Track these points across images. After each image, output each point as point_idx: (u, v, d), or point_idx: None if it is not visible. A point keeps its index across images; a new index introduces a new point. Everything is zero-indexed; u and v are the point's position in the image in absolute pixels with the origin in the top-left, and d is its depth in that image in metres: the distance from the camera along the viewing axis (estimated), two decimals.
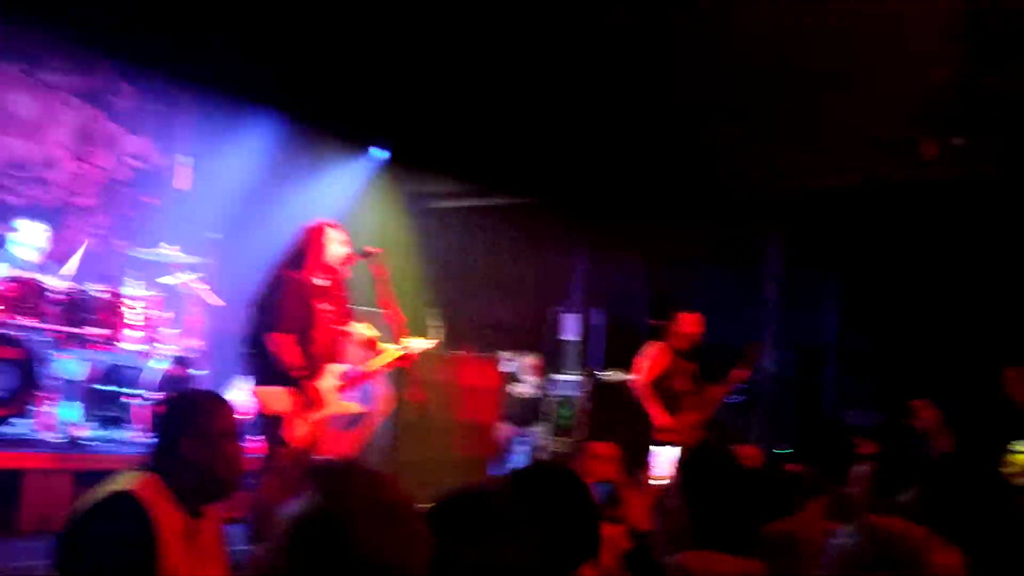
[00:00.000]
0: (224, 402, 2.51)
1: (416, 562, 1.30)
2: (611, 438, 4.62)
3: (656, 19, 5.63)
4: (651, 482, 4.89)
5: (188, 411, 2.44)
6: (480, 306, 8.76)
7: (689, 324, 6.25)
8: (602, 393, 8.08)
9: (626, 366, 8.01)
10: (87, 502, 2.21)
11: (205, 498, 2.40)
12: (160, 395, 5.93)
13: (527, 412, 8.39)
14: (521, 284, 9.34)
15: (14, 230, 5.84)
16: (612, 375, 8.06)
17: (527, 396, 8.50)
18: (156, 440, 2.42)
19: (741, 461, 2.58)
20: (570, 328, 9.25)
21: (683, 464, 2.44)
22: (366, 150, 8.82)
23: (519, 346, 8.78)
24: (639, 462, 5.18)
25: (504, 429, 7.94)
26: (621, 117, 7.05)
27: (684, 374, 6.23)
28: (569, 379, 8.59)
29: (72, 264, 6.02)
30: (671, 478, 2.44)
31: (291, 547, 1.27)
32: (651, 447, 5.92)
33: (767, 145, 7.12)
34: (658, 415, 6.02)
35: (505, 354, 8.26)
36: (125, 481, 2.26)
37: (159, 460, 2.37)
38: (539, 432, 8.30)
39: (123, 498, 2.20)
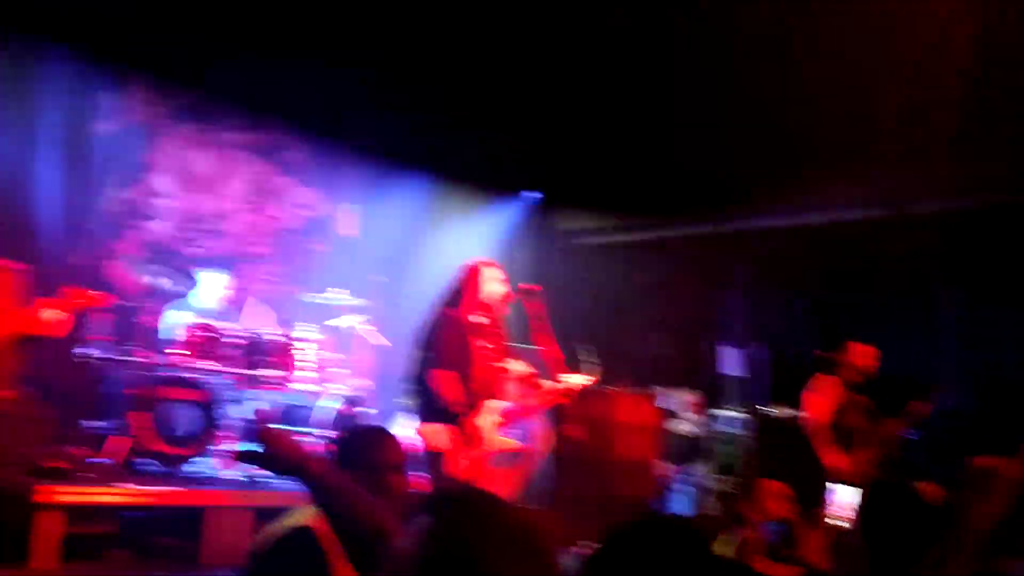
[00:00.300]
0: (391, 436, 2.54)
1: None
2: (780, 476, 4.42)
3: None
4: (828, 521, 4.63)
5: (355, 446, 2.48)
6: (636, 342, 8.64)
7: (863, 356, 5.91)
8: (768, 430, 7.76)
9: (791, 401, 7.67)
10: (267, 537, 2.27)
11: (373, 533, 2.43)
12: (331, 433, 6.17)
13: (687, 450, 8.16)
14: (677, 319, 9.16)
15: (200, 279, 6.28)
16: (778, 411, 7.73)
17: (687, 433, 8.28)
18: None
19: (923, 499, 2.40)
20: (730, 362, 8.96)
21: (863, 503, 2.29)
22: (519, 192, 9.02)
23: (677, 382, 8.59)
24: (813, 500, 4.92)
25: (664, 467, 7.75)
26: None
27: (857, 409, 5.89)
28: (731, 415, 8.30)
29: (247, 310, 6.39)
30: (850, 517, 2.29)
31: (423, 567, 1.25)
32: (826, 485, 5.62)
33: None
34: (831, 456, 5.71)
35: (663, 390, 8.09)
36: (302, 516, 2.30)
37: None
38: (700, 471, 8.05)
39: (301, 533, 2.24)
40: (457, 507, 1.31)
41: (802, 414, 6.09)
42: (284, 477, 1.99)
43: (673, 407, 8.29)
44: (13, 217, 5.97)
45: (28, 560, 4.45)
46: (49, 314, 3.27)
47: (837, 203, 7.59)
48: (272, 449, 1.96)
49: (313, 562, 2.18)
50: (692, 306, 9.21)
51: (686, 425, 8.27)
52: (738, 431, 8.04)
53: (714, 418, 8.26)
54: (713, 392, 8.81)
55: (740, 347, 9.01)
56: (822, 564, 3.39)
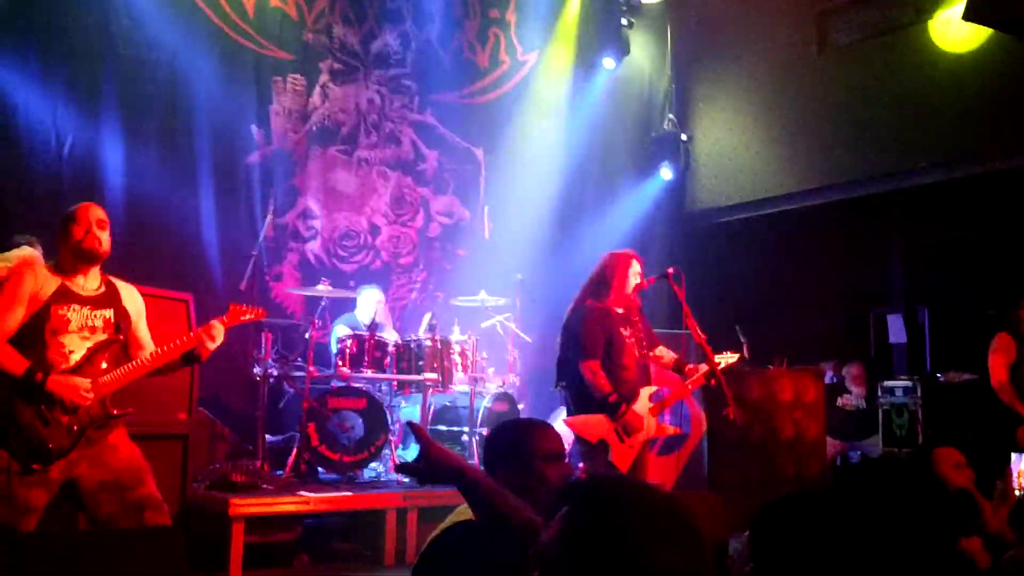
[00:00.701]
0: (545, 426, 2.50)
1: (696, 571, 1.23)
2: (956, 444, 4.20)
3: None
4: (1015, 491, 4.36)
5: (506, 439, 2.45)
6: (791, 318, 8.38)
7: None
8: (939, 397, 7.37)
9: (960, 366, 7.25)
10: (436, 535, 2.28)
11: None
12: (486, 431, 6.33)
13: (855, 424, 7.87)
14: (833, 290, 8.84)
15: (358, 294, 6.58)
16: (951, 376, 7.33)
17: (853, 407, 7.98)
18: (485, 468, 2.42)
19: None
20: (895, 331, 8.56)
21: None
22: (654, 171, 8.96)
23: (838, 355, 8.29)
24: (993, 468, 4.64)
25: (832, 444, 7.49)
26: None
27: None
28: (899, 385, 7.93)
29: (401, 319, 6.64)
30: None
31: (569, 558, 1.24)
32: (1008, 451, 5.29)
33: None
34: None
35: (824, 365, 7.83)
36: (466, 511, 2.28)
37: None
38: (871, 444, 7.74)
39: (468, 527, 2.25)
40: (601, 494, 1.29)
41: (978, 376, 5.78)
42: (439, 485, 1.99)
43: (836, 381, 8.02)
44: (179, 249, 6.43)
45: (224, 570, 4.78)
46: (215, 331, 3.50)
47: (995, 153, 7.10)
48: (426, 460, 1.97)
49: (481, 555, 2.18)
50: (849, 276, 8.87)
51: (851, 398, 7.98)
52: (908, 400, 7.68)
53: (882, 389, 7.93)
54: (878, 362, 8.46)
55: (903, 314, 8.60)
56: (1005, 535, 3.18)
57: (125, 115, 6.38)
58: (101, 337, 3.41)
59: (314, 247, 7.31)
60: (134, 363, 3.44)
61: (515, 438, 2.42)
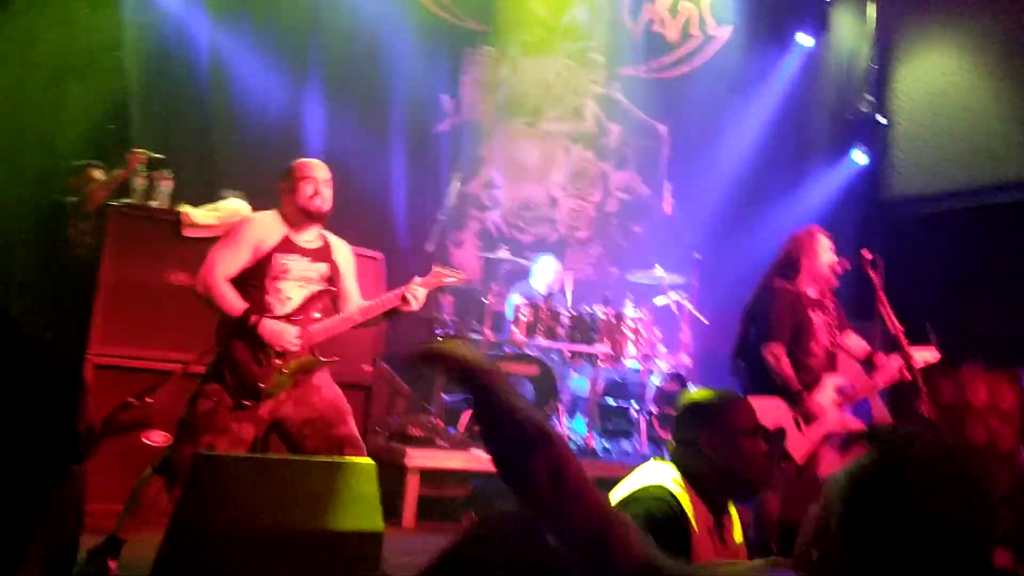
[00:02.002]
0: (745, 401, 2.49)
1: (982, 531, 1.20)
2: None
3: None
4: None
5: (710, 409, 2.42)
6: (990, 317, 7.80)
7: None
8: None
9: None
10: (625, 498, 2.29)
11: (728, 496, 2.39)
12: (656, 409, 6.26)
13: None
14: None
15: (534, 263, 6.67)
16: None
17: None
18: (679, 438, 2.43)
19: None
20: None
21: None
22: (846, 154, 8.54)
23: None
24: None
25: None
26: None
27: None
28: None
29: (578, 291, 6.66)
30: None
31: (849, 506, 1.24)
32: None
33: None
34: None
35: None
36: (658, 476, 2.32)
37: (680, 458, 2.38)
38: None
39: (659, 491, 2.26)
40: (896, 443, 1.27)
41: None
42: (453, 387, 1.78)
43: None
44: (370, 210, 6.71)
45: (398, 518, 4.99)
46: (417, 290, 3.62)
47: None
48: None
49: (673, 518, 2.21)
50: None
51: None
52: None
53: None
54: None
55: None
56: None
57: (327, 81, 6.71)
58: (316, 288, 3.59)
59: (494, 216, 7.46)
60: (344, 315, 3.61)
61: (720, 408, 2.40)
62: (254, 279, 3.50)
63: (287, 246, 3.56)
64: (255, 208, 5.33)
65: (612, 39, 7.93)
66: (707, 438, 2.34)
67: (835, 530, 1.24)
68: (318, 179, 3.61)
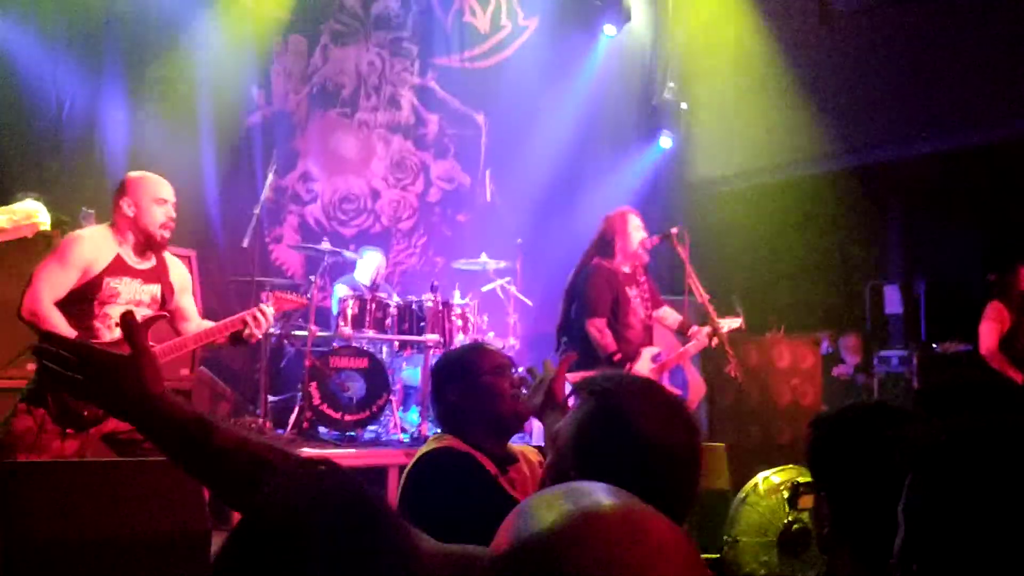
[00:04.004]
0: (487, 345, 2.54)
1: (686, 444, 1.37)
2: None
3: None
4: None
5: (450, 362, 2.47)
6: (788, 288, 8.43)
7: None
8: (934, 367, 7.43)
9: (957, 336, 7.31)
10: (410, 464, 2.27)
11: (499, 442, 2.35)
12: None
13: (851, 394, 7.94)
14: (830, 261, 8.87)
15: (359, 256, 6.59)
16: (946, 346, 7.39)
17: (849, 377, 8.05)
18: (435, 403, 2.45)
19: None
20: (891, 301, 8.61)
21: None
22: (654, 140, 8.96)
23: (835, 326, 8.34)
24: None
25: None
26: None
27: None
28: (895, 355, 8.00)
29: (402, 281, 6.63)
30: None
31: (578, 440, 1.37)
32: None
33: None
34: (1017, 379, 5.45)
35: (821, 335, 7.87)
36: (433, 444, 2.32)
37: (446, 422, 2.41)
38: None
39: (443, 451, 2.25)
40: (609, 384, 1.42)
41: (973, 347, 5.83)
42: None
43: (833, 351, 8.07)
44: (180, 207, 6.37)
45: (229, 525, 4.81)
46: (263, 318, 3.45)
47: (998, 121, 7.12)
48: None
49: (459, 471, 2.21)
50: (846, 247, 8.90)
51: (847, 368, 8.04)
52: (903, 370, 7.75)
53: (877, 360, 7.99)
54: (874, 333, 8.51)
55: (899, 285, 8.64)
56: None
57: (126, 73, 6.35)
58: (147, 312, 3.40)
59: (314, 210, 7.31)
60: (178, 340, 3.45)
61: (460, 359, 2.46)
62: (82, 303, 3.31)
63: (118, 268, 3.37)
64: (50, 210, 5.00)
65: (424, 29, 7.94)
66: (455, 389, 2.35)
67: (572, 472, 1.32)
68: (170, 202, 3.46)
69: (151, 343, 3.34)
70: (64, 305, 3.30)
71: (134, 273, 3.42)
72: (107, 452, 3.52)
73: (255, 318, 3.43)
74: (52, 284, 3.26)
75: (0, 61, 5.81)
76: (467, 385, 2.33)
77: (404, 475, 2.26)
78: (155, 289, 3.46)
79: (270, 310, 3.49)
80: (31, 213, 4.67)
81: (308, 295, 5.91)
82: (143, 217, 3.41)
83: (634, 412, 1.35)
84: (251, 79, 7.01)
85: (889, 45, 7.60)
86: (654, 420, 1.35)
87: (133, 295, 3.40)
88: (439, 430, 2.56)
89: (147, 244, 3.45)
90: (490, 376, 2.33)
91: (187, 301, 3.60)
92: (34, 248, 4.02)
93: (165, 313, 3.47)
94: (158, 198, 3.46)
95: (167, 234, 3.47)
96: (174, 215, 3.49)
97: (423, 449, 2.31)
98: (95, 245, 3.38)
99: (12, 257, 4.32)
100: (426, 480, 2.20)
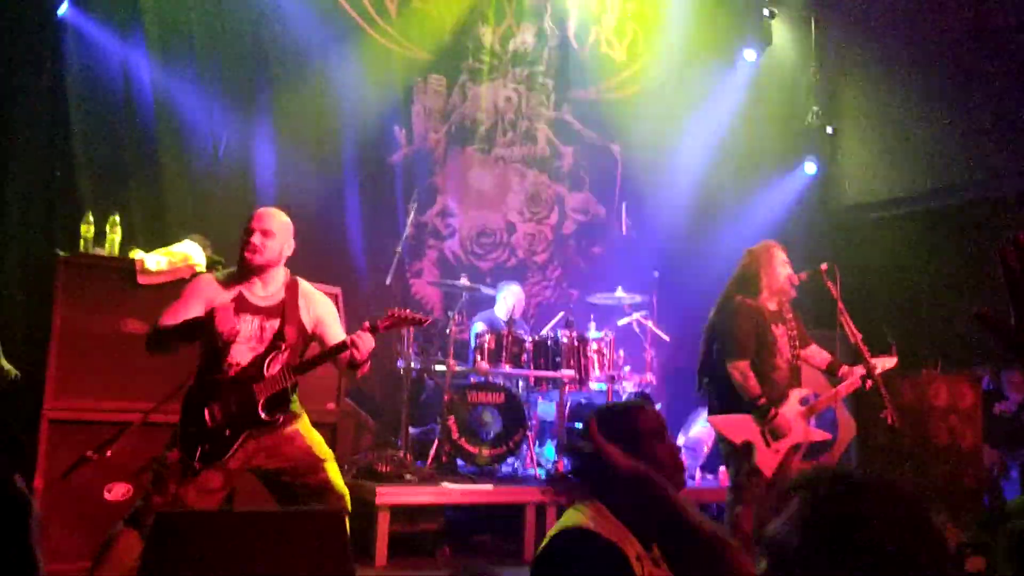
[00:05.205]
0: (644, 405, 2.40)
1: (931, 556, 1.21)
2: None
3: None
4: None
5: (607, 420, 2.31)
6: (945, 320, 7.94)
7: None
8: None
9: None
10: (547, 541, 2.16)
11: (646, 509, 2.11)
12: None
13: (1016, 433, 7.39)
14: (991, 291, 8.30)
15: (497, 291, 6.64)
16: None
17: (1013, 415, 7.50)
18: (586, 461, 2.25)
19: None
20: None
21: None
22: (798, 166, 8.68)
23: (997, 359, 7.79)
24: None
25: (989, 454, 7.06)
26: None
27: None
28: None
29: (540, 316, 6.63)
30: None
31: (804, 550, 1.23)
32: None
33: None
34: None
35: (981, 370, 7.37)
36: (574, 517, 2.16)
37: (594, 482, 2.22)
38: None
39: (576, 533, 2.10)
40: (837, 486, 1.27)
41: None
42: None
43: (995, 387, 7.55)
44: (327, 245, 6.63)
45: (371, 558, 4.90)
46: (362, 340, 3.47)
47: None
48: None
49: (590, 562, 2.07)
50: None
51: (1011, 405, 7.50)
52: None
53: None
54: None
55: None
56: None
57: (276, 116, 6.63)
58: (264, 348, 3.49)
59: (452, 245, 7.43)
60: (285, 372, 3.48)
61: (617, 418, 2.31)
62: (208, 341, 3.46)
63: (238, 306, 3.48)
64: (212, 249, 5.28)
65: (560, 63, 7.98)
66: (610, 449, 2.12)
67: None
68: (255, 229, 3.53)
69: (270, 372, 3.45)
70: (199, 352, 3.47)
71: (254, 310, 3.51)
72: (255, 483, 3.66)
73: (352, 342, 3.43)
74: (174, 314, 3.44)
75: (162, 106, 6.18)
76: (630, 445, 2.12)
77: (536, 554, 2.15)
78: (276, 323, 3.52)
79: (366, 336, 3.45)
80: (187, 255, 4.96)
81: (447, 330, 6.02)
82: (239, 246, 3.55)
83: (875, 520, 1.21)
84: (393, 118, 7.22)
85: None
86: (897, 529, 1.21)
87: (253, 332, 3.48)
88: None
89: (242, 270, 3.54)
90: (648, 439, 2.22)
91: (331, 335, 3.62)
92: None
93: (281, 346, 3.49)
94: (245, 227, 3.55)
95: (252, 255, 3.51)
96: (256, 241, 3.50)
97: (561, 522, 2.19)
98: (211, 284, 3.53)
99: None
100: (555, 570, 2.09)
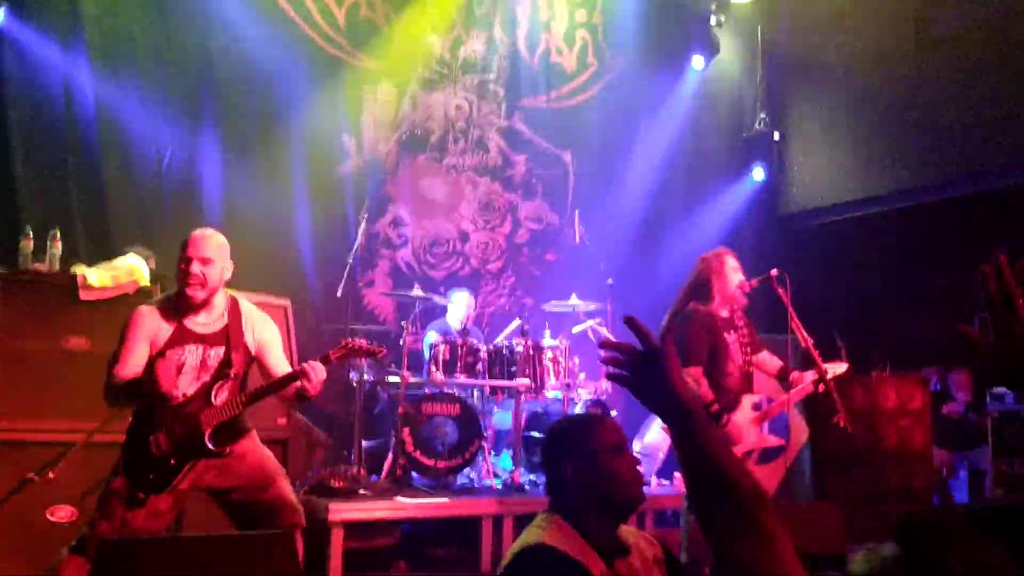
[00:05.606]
0: (604, 418, 2.39)
1: None
2: None
3: None
4: None
5: (564, 435, 2.32)
6: (891, 322, 8.08)
7: None
8: None
9: None
10: (510, 556, 2.15)
11: (611, 526, 2.22)
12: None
13: (964, 434, 7.54)
14: (935, 293, 8.48)
15: (448, 300, 6.60)
16: None
17: (960, 416, 7.65)
18: (547, 477, 2.32)
19: None
20: None
21: None
22: (746, 172, 8.78)
23: (943, 361, 7.94)
24: None
25: (939, 454, 7.19)
26: None
27: None
28: (1010, 392, 7.55)
29: (492, 324, 6.60)
30: None
31: None
32: None
33: None
34: None
35: (928, 371, 7.51)
36: (538, 533, 2.16)
37: (555, 495, 2.27)
38: (979, 455, 7.40)
39: (538, 551, 2.09)
40: (928, 533, 1.22)
41: None
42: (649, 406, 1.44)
43: (942, 388, 7.69)
44: (276, 256, 6.54)
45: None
46: (314, 372, 3.38)
47: None
48: (649, 367, 1.41)
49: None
50: (952, 278, 8.49)
51: (958, 406, 7.65)
52: (1020, 408, 7.32)
53: (990, 396, 7.57)
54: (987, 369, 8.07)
55: None
56: None
57: (223, 127, 6.53)
58: (207, 377, 3.42)
59: (404, 254, 7.38)
60: (233, 401, 3.41)
61: (576, 433, 2.30)
62: (154, 373, 3.36)
63: (180, 338, 3.39)
64: (157, 264, 5.16)
65: (510, 71, 7.98)
66: (569, 465, 2.22)
67: None
68: (193, 258, 3.41)
69: (217, 400, 3.37)
70: (145, 380, 3.36)
71: (197, 339, 3.41)
72: (205, 501, 3.57)
73: (304, 372, 3.35)
74: (125, 363, 3.34)
75: (105, 117, 6.05)
76: (579, 462, 2.20)
77: (500, 572, 2.13)
78: (220, 351, 3.44)
79: (318, 365, 3.37)
80: (132, 269, 4.84)
81: (401, 340, 5.96)
82: (176, 275, 3.45)
83: (958, 562, 1.16)
84: (342, 128, 7.15)
85: (988, 68, 7.27)
86: (978, 570, 1.16)
87: (197, 360, 3.40)
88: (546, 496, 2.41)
89: (183, 303, 3.43)
90: (608, 454, 2.20)
91: (273, 357, 3.55)
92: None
93: (228, 373, 3.44)
94: (182, 257, 3.43)
95: (195, 291, 3.39)
96: (196, 271, 3.39)
97: (523, 538, 2.18)
98: (154, 319, 3.40)
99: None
100: None
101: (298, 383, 3.39)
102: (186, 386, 3.39)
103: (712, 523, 1.30)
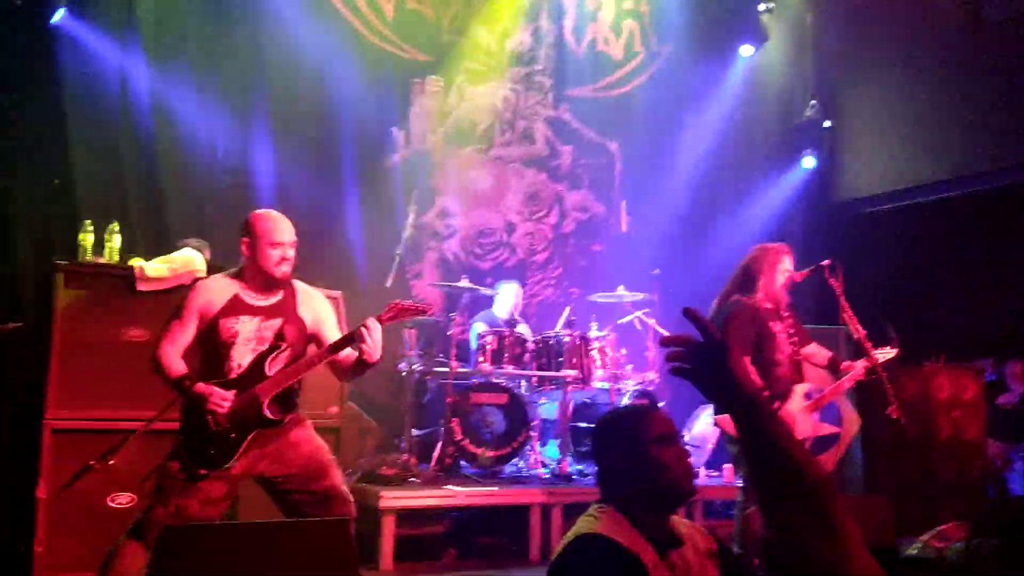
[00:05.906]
0: (652, 410, 2.36)
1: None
2: None
3: None
4: None
5: (613, 426, 2.31)
6: (946, 312, 7.93)
7: None
8: None
9: None
10: (562, 547, 2.15)
11: (661, 517, 2.21)
12: None
13: (1019, 425, 7.38)
14: (991, 283, 8.30)
15: (496, 291, 6.63)
16: None
17: (1015, 407, 7.49)
18: (596, 466, 2.30)
19: None
20: None
21: None
22: (796, 161, 8.67)
23: (998, 352, 7.78)
24: None
25: (993, 446, 7.05)
26: None
27: None
28: None
29: (539, 315, 6.62)
30: None
31: None
32: None
33: None
34: None
35: (983, 362, 7.37)
36: (591, 523, 2.16)
37: (605, 487, 2.25)
38: None
39: (591, 540, 2.09)
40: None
41: None
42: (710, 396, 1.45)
43: (998, 379, 7.54)
44: (327, 248, 6.61)
45: (375, 563, 4.89)
46: (370, 331, 3.42)
47: None
48: (708, 355, 1.42)
49: (610, 570, 2.05)
50: (1009, 267, 8.31)
51: (1014, 397, 7.49)
52: None
53: None
54: None
55: None
56: None
57: (274, 120, 6.60)
58: (264, 348, 3.46)
59: (452, 245, 7.42)
60: (289, 368, 3.45)
61: (624, 425, 2.28)
62: (208, 346, 3.44)
63: (234, 308, 3.45)
64: (213, 254, 5.26)
65: (557, 61, 7.97)
66: (618, 457, 2.21)
67: None
68: (285, 244, 3.50)
69: (273, 373, 3.43)
70: (200, 357, 3.44)
71: (253, 311, 3.47)
72: (258, 491, 3.63)
73: (363, 331, 3.38)
74: (174, 338, 3.41)
75: (160, 112, 6.16)
76: (628, 454, 2.19)
77: (553, 561, 2.14)
78: (276, 323, 3.49)
79: (375, 323, 3.42)
80: (188, 261, 4.94)
81: (449, 331, 6.01)
82: (259, 258, 3.48)
83: None
84: (391, 120, 7.21)
85: None
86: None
87: (253, 333, 3.45)
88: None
89: (267, 283, 3.50)
90: (657, 446, 2.18)
91: (327, 334, 3.59)
92: None
93: (282, 345, 3.46)
94: (272, 242, 3.48)
95: (286, 269, 3.50)
96: (290, 255, 3.49)
97: (576, 527, 2.18)
98: (210, 291, 3.48)
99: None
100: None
101: (351, 355, 3.45)
102: (240, 357, 3.43)
103: (778, 512, 1.30)
